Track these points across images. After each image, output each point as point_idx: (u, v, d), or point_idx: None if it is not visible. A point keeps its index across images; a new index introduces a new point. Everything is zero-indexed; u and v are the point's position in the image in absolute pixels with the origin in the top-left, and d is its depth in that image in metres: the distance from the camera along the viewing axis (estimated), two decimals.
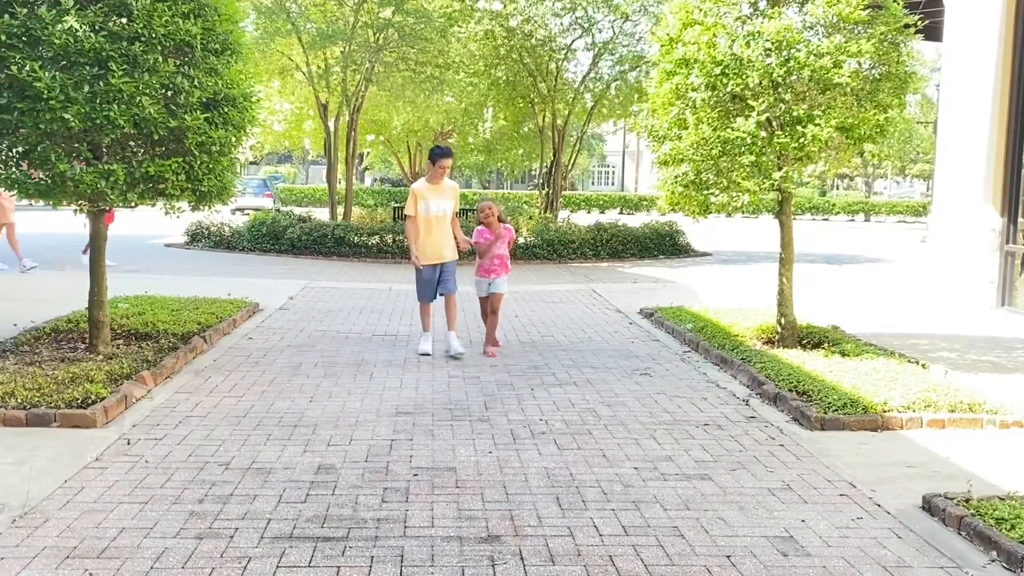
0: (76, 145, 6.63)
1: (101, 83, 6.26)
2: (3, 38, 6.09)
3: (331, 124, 21.16)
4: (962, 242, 12.24)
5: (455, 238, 8.27)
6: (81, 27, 6.18)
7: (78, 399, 5.66)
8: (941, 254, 12.89)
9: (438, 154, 8.05)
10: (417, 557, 3.77)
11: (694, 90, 7.58)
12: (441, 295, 8.22)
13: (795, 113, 7.37)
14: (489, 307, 8.30)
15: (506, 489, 4.62)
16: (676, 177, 8.00)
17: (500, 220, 8.23)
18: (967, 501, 4.32)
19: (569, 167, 26.15)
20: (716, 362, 7.88)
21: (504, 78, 22.46)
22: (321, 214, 22.03)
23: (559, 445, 5.43)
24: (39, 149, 6.45)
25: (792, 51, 7.31)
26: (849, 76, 7.22)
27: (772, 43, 7.34)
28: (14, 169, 6.62)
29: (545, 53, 22.00)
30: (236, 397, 6.37)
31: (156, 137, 6.64)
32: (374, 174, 54.24)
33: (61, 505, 4.26)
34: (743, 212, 8.60)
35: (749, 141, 7.38)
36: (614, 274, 15.83)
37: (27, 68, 6.02)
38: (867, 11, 7.46)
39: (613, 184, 70.34)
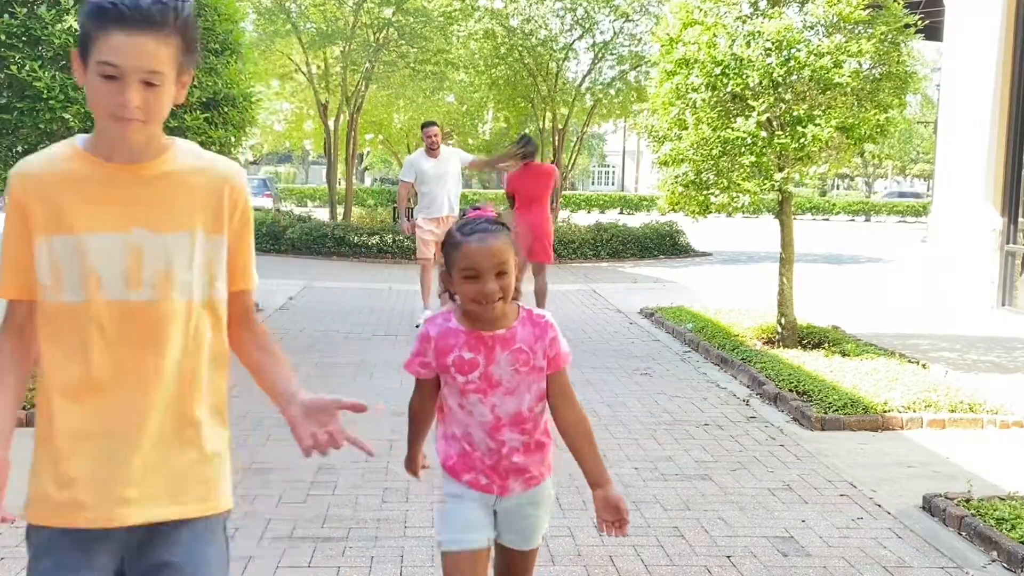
0: None
1: None
2: (3, 38, 6.09)
3: (331, 124, 21.15)
4: (962, 242, 12.23)
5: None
6: None
7: None
8: (941, 254, 12.88)
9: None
10: (417, 557, 3.77)
11: (694, 90, 7.58)
12: None
13: (795, 113, 7.37)
14: None
15: None
16: (676, 177, 7.99)
17: (515, 295, 2.43)
18: (967, 501, 4.32)
19: (569, 167, 26.14)
20: (716, 362, 7.88)
21: (504, 77, 22.46)
22: (321, 214, 22.00)
23: (559, 445, 5.41)
24: (39, 149, 6.44)
25: (792, 51, 7.31)
26: (849, 76, 7.21)
27: (772, 43, 7.34)
28: None
29: (546, 52, 21.99)
30: (236, 397, 6.35)
31: None
32: (374, 174, 54.23)
33: None
34: (743, 212, 8.60)
35: (749, 141, 7.38)
36: (614, 274, 15.82)
37: (27, 68, 6.02)
38: (867, 11, 7.46)
39: (613, 184, 70.30)
